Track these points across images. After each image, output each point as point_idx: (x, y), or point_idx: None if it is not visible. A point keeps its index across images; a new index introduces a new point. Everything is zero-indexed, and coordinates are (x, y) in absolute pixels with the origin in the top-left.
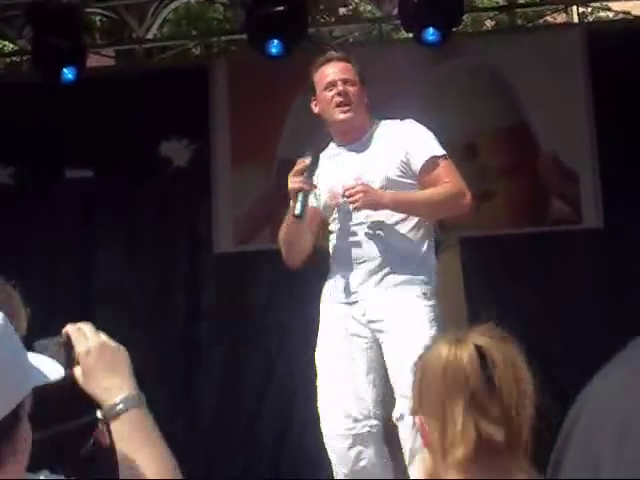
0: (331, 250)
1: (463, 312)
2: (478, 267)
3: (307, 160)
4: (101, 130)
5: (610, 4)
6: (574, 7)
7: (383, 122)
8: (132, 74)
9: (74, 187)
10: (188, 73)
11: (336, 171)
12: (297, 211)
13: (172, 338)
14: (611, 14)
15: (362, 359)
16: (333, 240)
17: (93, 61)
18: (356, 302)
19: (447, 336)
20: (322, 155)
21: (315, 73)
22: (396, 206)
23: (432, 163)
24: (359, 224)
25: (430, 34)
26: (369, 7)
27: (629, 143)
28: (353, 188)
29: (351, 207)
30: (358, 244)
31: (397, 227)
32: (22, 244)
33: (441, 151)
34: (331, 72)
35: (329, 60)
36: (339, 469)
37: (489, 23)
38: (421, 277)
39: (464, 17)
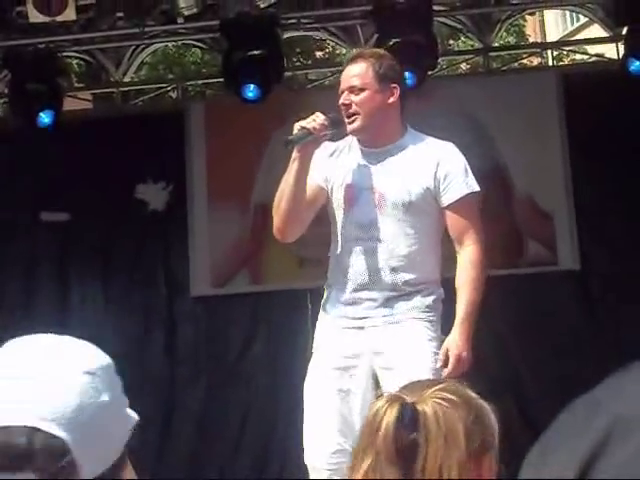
0: (334, 260)
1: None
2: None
3: (329, 116)
4: (77, 173)
5: (584, 47)
6: (549, 50)
7: (417, 134)
8: (109, 117)
9: (50, 230)
10: (165, 116)
11: (357, 172)
12: (290, 137)
13: (149, 381)
14: (585, 56)
15: (358, 391)
16: (337, 249)
17: (70, 104)
18: (362, 328)
19: (396, 392)
20: (342, 146)
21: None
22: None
23: (461, 203)
24: (373, 247)
25: (406, 78)
26: (344, 50)
27: (604, 185)
28: (451, 364)
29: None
30: (371, 267)
31: (408, 261)
32: None
33: (474, 186)
34: (345, 77)
35: (349, 61)
36: None
37: (464, 66)
38: (432, 312)
39: (439, 60)
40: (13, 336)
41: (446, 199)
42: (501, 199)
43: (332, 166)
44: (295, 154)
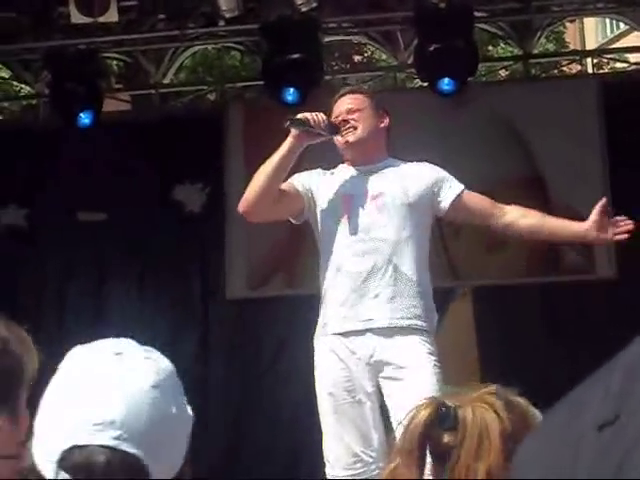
0: (330, 269)
1: (474, 359)
2: (490, 316)
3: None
4: (115, 173)
5: (624, 55)
6: (589, 58)
7: (398, 160)
8: (147, 118)
9: (87, 230)
10: (203, 118)
11: (353, 183)
12: (291, 117)
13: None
14: (625, 64)
15: (368, 401)
16: (335, 255)
17: (109, 105)
18: (364, 334)
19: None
20: (332, 171)
21: (332, 107)
22: None
23: (466, 193)
24: (376, 247)
25: (445, 84)
26: (384, 55)
27: None
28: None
29: None
30: (375, 264)
31: (410, 261)
32: (35, 285)
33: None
34: (340, 104)
35: (342, 95)
36: None
37: (504, 73)
38: (428, 315)
39: (479, 67)
40: (50, 334)
41: (453, 191)
42: (538, 206)
43: (323, 180)
44: (289, 138)
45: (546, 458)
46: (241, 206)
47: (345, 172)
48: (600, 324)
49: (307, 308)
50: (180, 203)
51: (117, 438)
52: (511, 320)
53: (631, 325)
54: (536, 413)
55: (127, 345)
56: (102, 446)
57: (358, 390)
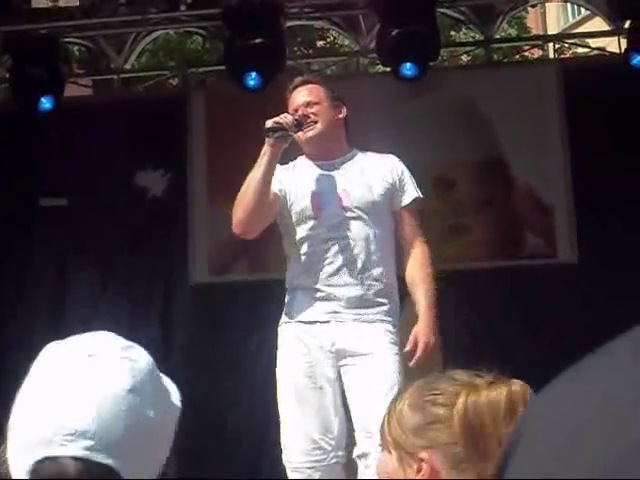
0: (299, 264)
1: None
2: (452, 300)
3: (294, 117)
4: (77, 159)
5: (586, 40)
6: (550, 43)
7: (361, 151)
8: (109, 104)
9: (48, 215)
10: (165, 103)
11: (318, 181)
12: (269, 126)
13: None
14: (587, 50)
15: (329, 389)
16: (304, 253)
17: (71, 90)
18: (328, 322)
19: (475, 380)
20: (293, 164)
21: (288, 99)
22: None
23: (414, 205)
24: (346, 245)
25: (407, 69)
26: (346, 41)
27: (604, 178)
28: (420, 350)
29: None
30: (345, 263)
31: (378, 256)
32: None
33: (420, 192)
34: (296, 97)
35: (296, 86)
36: None
37: (466, 58)
38: (393, 310)
39: (441, 52)
40: (8, 325)
41: (405, 199)
42: (501, 191)
43: (288, 177)
44: (266, 147)
45: (605, 397)
46: (237, 228)
47: (308, 168)
48: (560, 307)
49: (271, 293)
50: (143, 189)
51: (89, 449)
52: (473, 305)
53: (590, 311)
54: None
55: (103, 343)
56: (74, 457)
57: (319, 377)
